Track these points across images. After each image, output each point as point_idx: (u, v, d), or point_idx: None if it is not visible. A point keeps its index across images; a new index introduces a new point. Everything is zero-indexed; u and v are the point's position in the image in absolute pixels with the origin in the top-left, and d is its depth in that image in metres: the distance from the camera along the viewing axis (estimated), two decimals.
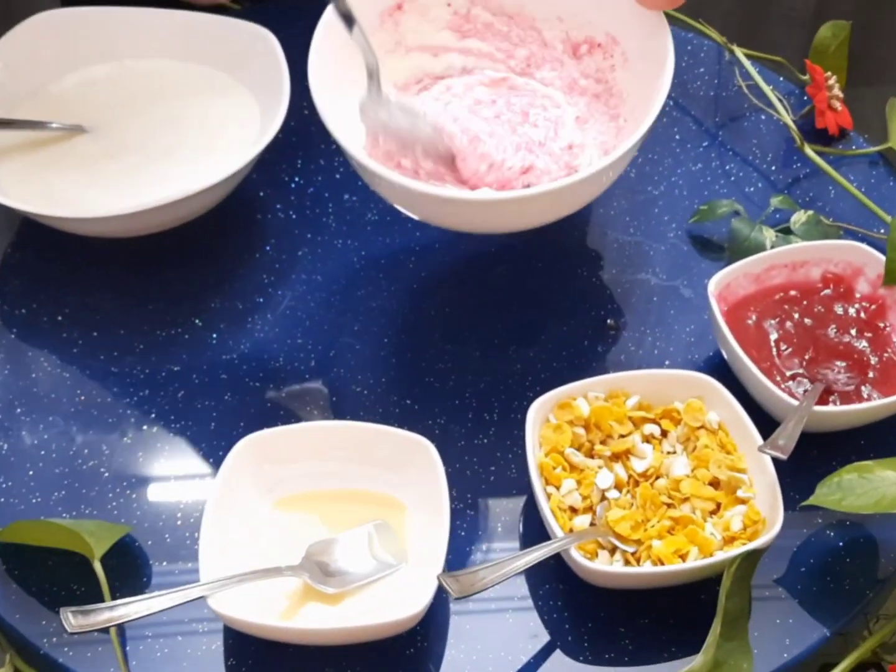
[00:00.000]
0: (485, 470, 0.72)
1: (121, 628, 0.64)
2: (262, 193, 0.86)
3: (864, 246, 0.77)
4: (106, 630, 0.64)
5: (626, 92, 0.80)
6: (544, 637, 0.65)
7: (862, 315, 0.76)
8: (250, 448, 0.67)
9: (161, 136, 0.85)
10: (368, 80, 0.75)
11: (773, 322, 0.75)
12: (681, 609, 0.66)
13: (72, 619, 0.58)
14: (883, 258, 0.75)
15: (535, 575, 0.67)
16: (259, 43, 0.85)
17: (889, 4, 1.37)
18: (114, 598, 0.64)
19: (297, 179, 0.87)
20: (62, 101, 0.86)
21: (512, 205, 0.71)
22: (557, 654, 0.65)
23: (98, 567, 0.64)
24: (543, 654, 0.65)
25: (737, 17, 1.36)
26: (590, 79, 0.82)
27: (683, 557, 0.64)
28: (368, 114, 0.75)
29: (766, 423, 0.69)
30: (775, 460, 0.67)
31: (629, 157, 0.73)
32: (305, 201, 0.86)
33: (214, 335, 0.79)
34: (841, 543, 0.69)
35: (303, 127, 0.88)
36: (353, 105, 0.76)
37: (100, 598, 0.64)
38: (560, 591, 0.66)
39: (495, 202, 0.72)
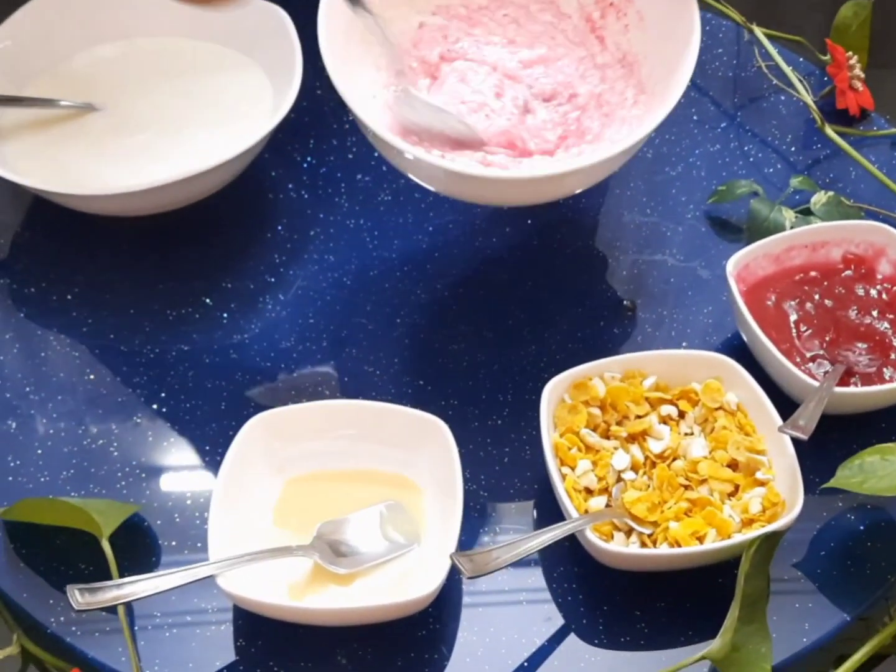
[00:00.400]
0: (499, 451, 0.71)
1: (129, 608, 0.63)
2: (274, 173, 0.85)
3: (885, 226, 0.75)
4: (114, 610, 0.63)
5: (643, 57, 0.78)
6: (558, 620, 0.64)
7: (884, 296, 0.74)
8: (261, 427, 0.67)
9: (172, 114, 0.84)
10: (394, 77, 0.75)
11: (792, 303, 0.74)
12: (698, 592, 0.64)
13: (78, 597, 0.57)
14: None
15: (549, 558, 0.66)
16: (272, 21, 0.84)
17: None
18: (122, 577, 0.63)
19: (309, 159, 0.86)
20: (73, 78, 0.86)
21: (537, 183, 0.71)
22: (572, 638, 0.63)
23: (106, 546, 0.64)
24: (557, 638, 0.64)
25: None
26: (606, 52, 0.80)
27: (701, 540, 0.63)
28: (396, 110, 0.75)
29: (785, 405, 0.68)
30: (795, 442, 0.65)
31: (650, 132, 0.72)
32: (318, 181, 0.85)
33: (225, 315, 0.78)
34: (862, 527, 0.67)
35: (315, 107, 0.87)
36: (368, 81, 0.75)
37: (108, 578, 0.63)
38: (574, 574, 0.65)
39: (519, 180, 0.71)
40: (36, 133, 0.83)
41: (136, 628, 0.63)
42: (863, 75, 0.87)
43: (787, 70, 0.88)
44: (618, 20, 0.80)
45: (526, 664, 0.62)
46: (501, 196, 0.75)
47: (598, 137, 0.76)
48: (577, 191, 0.75)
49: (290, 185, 0.85)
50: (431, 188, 0.75)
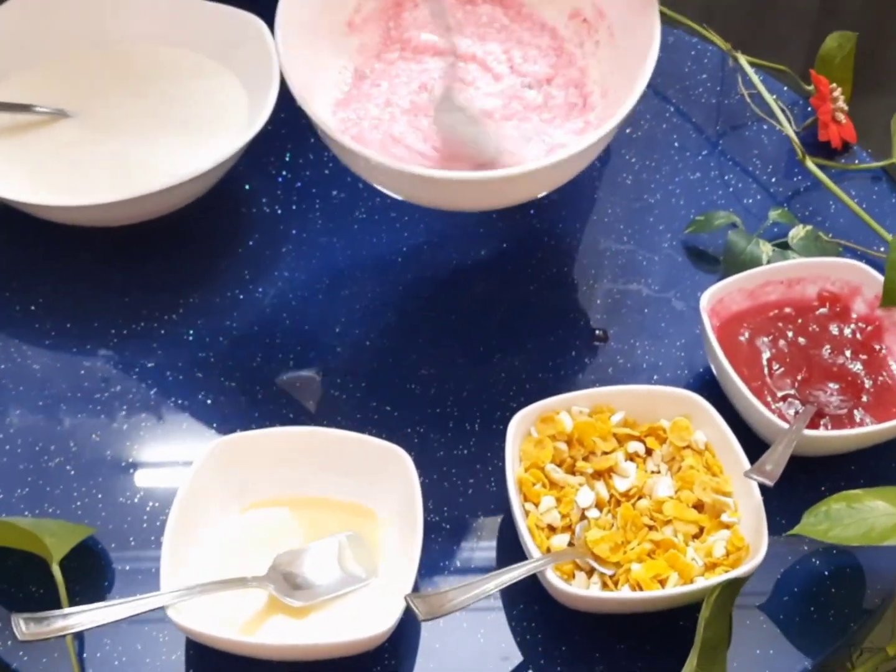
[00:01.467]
0: (463, 482, 0.70)
1: (79, 636, 0.62)
2: (247, 186, 0.84)
3: (862, 265, 0.75)
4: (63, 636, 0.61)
5: (608, 70, 0.78)
6: (516, 659, 0.63)
7: (858, 336, 0.74)
8: (220, 452, 0.65)
9: (146, 122, 0.82)
10: (443, 31, 0.76)
11: (766, 340, 0.73)
12: (658, 635, 0.64)
13: (23, 627, 0.56)
14: (881, 278, 0.73)
15: (509, 594, 0.65)
16: (249, 30, 0.83)
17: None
18: (73, 602, 0.61)
19: (284, 173, 0.84)
20: (45, 84, 0.84)
21: (490, 184, 0.69)
22: None
23: (56, 571, 0.62)
24: None
25: (741, 13, 1.33)
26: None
27: (663, 583, 0.62)
28: (438, 116, 0.75)
29: (754, 443, 0.67)
30: (762, 485, 0.65)
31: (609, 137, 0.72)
32: (292, 196, 0.84)
33: (191, 331, 0.77)
34: (826, 572, 0.67)
35: (292, 119, 0.85)
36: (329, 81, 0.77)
37: (59, 601, 0.62)
38: (534, 612, 0.64)
39: (468, 181, 0.69)
40: (6, 139, 0.81)
41: (84, 655, 0.62)
42: (846, 108, 0.87)
43: (770, 99, 0.87)
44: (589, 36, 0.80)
45: None
46: (456, 198, 0.73)
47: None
48: (536, 194, 0.75)
49: (264, 200, 0.84)
50: (384, 189, 0.74)
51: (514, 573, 0.60)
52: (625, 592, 0.61)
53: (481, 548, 0.67)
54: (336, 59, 0.80)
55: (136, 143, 0.81)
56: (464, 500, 0.69)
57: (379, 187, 0.75)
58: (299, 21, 0.76)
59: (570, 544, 0.64)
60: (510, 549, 0.66)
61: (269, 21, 0.82)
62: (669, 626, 0.64)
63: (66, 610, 0.58)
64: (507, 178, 0.69)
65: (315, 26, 0.78)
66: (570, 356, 0.76)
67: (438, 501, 0.68)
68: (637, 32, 0.75)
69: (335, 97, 0.79)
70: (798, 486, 0.68)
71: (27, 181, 0.78)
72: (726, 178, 0.86)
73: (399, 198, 0.75)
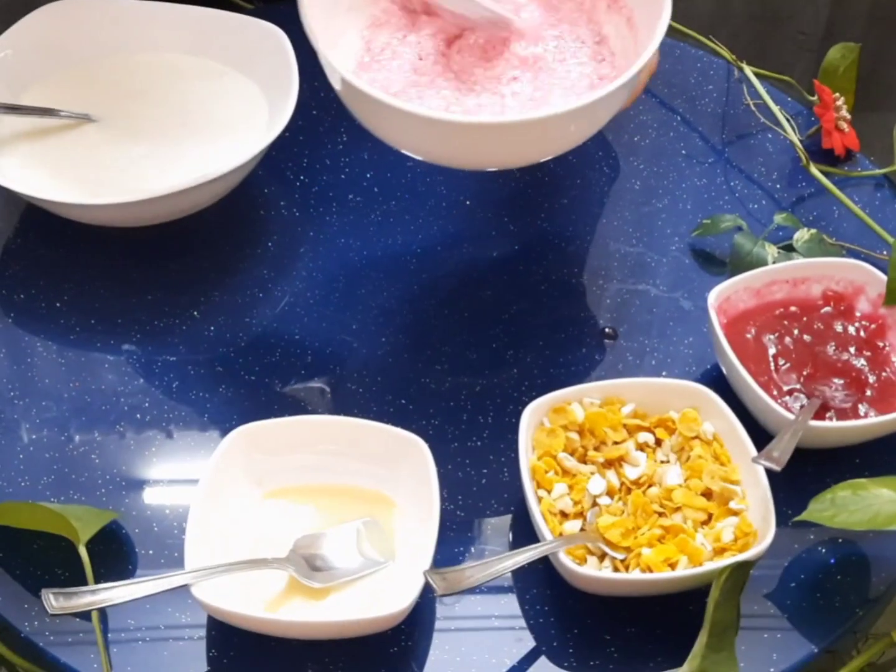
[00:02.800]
0: (477, 472, 0.72)
1: (103, 615, 0.64)
2: (266, 190, 0.86)
3: (865, 265, 0.77)
4: (88, 617, 0.63)
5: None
6: (529, 642, 0.65)
7: (861, 334, 0.75)
8: (242, 439, 0.67)
9: (168, 128, 0.85)
10: None
11: (772, 337, 0.75)
12: (668, 619, 0.65)
13: (53, 601, 0.58)
14: (884, 278, 0.75)
15: (522, 579, 0.66)
16: (270, 40, 0.86)
17: None
18: (98, 583, 0.63)
19: (302, 177, 0.87)
20: (71, 90, 0.87)
21: (503, 130, 0.70)
22: (542, 660, 0.64)
23: (83, 551, 0.64)
24: (528, 659, 0.64)
25: (747, 37, 1.36)
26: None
27: (673, 566, 0.63)
28: None
29: (761, 437, 0.69)
30: (769, 474, 0.66)
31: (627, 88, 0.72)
32: (310, 199, 0.86)
33: (212, 328, 0.79)
34: (833, 561, 0.68)
35: (311, 125, 0.88)
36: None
37: (84, 584, 0.64)
38: (547, 597, 0.66)
39: (486, 125, 0.70)
40: (32, 142, 0.83)
41: (109, 636, 0.63)
42: (849, 116, 0.89)
43: (775, 109, 0.90)
44: None
45: None
46: (478, 147, 0.73)
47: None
48: (557, 151, 0.75)
49: (282, 203, 0.86)
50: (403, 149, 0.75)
51: (529, 553, 0.62)
52: (635, 574, 0.63)
53: (495, 535, 0.69)
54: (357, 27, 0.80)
55: (159, 147, 0.84)
56: (478, 489, 0.71)
57: (399, 142, 0.74)
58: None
59: (582, 530, 0.65)
60: (524, 537, 0.67)
61: (290, 32, 0.85)
62: (679, 610, 0.65)
63: (94, 586, 0.60)
64: (533, 122, 0.69)
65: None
66: (580, 353, 0.78)
67: (453, 491, 0.70)
68: None
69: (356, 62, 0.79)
70: (804, 478, 0.70)
71: (53, 181, 0.81)
72: (732, 184, 0.88)
73: (419, 157, 0.75)
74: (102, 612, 0.63)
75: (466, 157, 0.75)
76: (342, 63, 0.74)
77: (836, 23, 1.31)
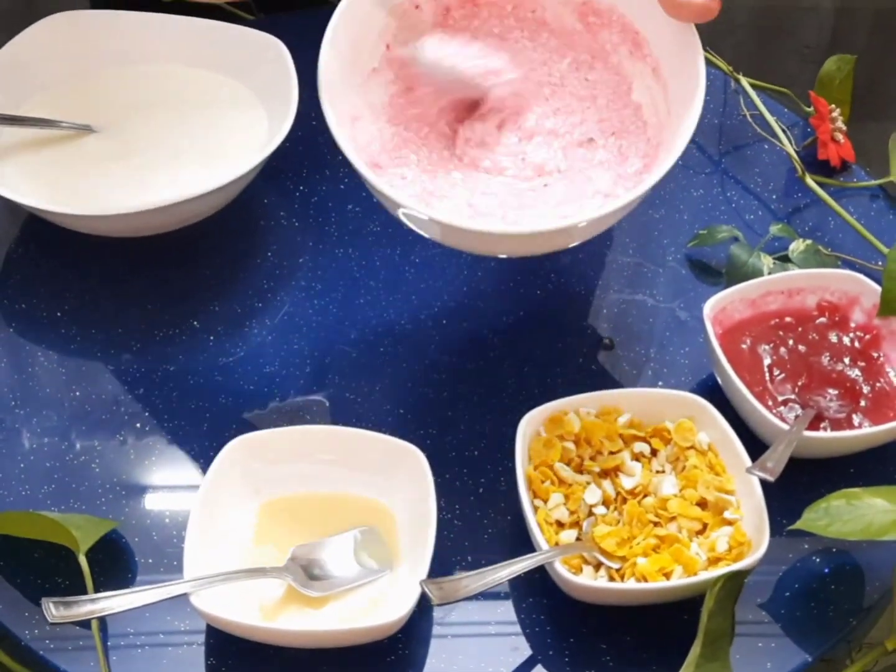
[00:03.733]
0: (474, 482, 0.72)
1: (103, 624, 0.64)
2: (266, 200, 0.87)
3: (860, 276, 0.77)
4: (88, 625, 0.64)
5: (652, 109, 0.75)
6: (526, 651, 0.65)
7: (856, 344, 0.76)
8: (240, 449, 0.68)
9: (169, 139, 0.85)
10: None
11: (767, 347, 0.76)
12: (663, 628, 0.65)
13: (53, 610, 0.58)
14: (879, 288, 0.76)
15: (518, 588, 0.67)
16: (270, 51, 0.86)
17: None
18: (97, 591, 0.64)
19: (301, 188, 0.87)
20: (72, 101, 0.87)
21: (522, 239, 0.69)
22: (538, 669, 0.64)
23: (83, 561, 0.64)
24: (524, 669, 0.65)
25: (750, 49, 1.37)
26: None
27: (668, 576, 0.64)
28: (414, 54, 0.73)
29: (756, 447, 0.70)
30: (764, 485, 0.67)
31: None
32: (309, 210, 0.86)
33: (212, 337, 0.79)
34: (826, 570, 0.69)
35: (310, 136, 0.88)
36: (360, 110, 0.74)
37: (83, 593, 0.64)
38: (543, 606, 0.66)
39: (505, 235, 0.69)
40: (33, 152, 0.84)
41: (108, 644, 0.64)
42: (844, 128, 0.90)
43: (771, 120, 0.90)
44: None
45: None
46: (491, 248, 0.73)
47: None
48: (574, 243, 0.73)
49: (282, 213, 0.86)
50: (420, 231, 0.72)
51: (526, 563, 0.63)
52: (631, 583, 0.64)
53: (492, 545, 0.69)
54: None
55: (160, 158, 0.84)
56: (475, 498, 0.71)
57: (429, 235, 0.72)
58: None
59: (578, 540, 0.66)
60: (519, 547, 0.67)
61: (289, 43, 0.86)
62: (674, 620, 0.65)
63: (94, 595, 0.60)
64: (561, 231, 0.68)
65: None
66: (577, 363, 0.79)
67: (450, 501, 0.70)
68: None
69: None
70: (798, 488, 0.70)
71: (54, 192, 0.81)
72: (728, 194, 0.89)
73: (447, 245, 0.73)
74: (102, 619, 0.64)
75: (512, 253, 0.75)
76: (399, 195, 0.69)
77: (840, 35, 1.32)
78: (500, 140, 0.74)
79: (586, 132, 0.76)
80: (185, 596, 0.61)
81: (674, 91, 0.73)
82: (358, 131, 0.73)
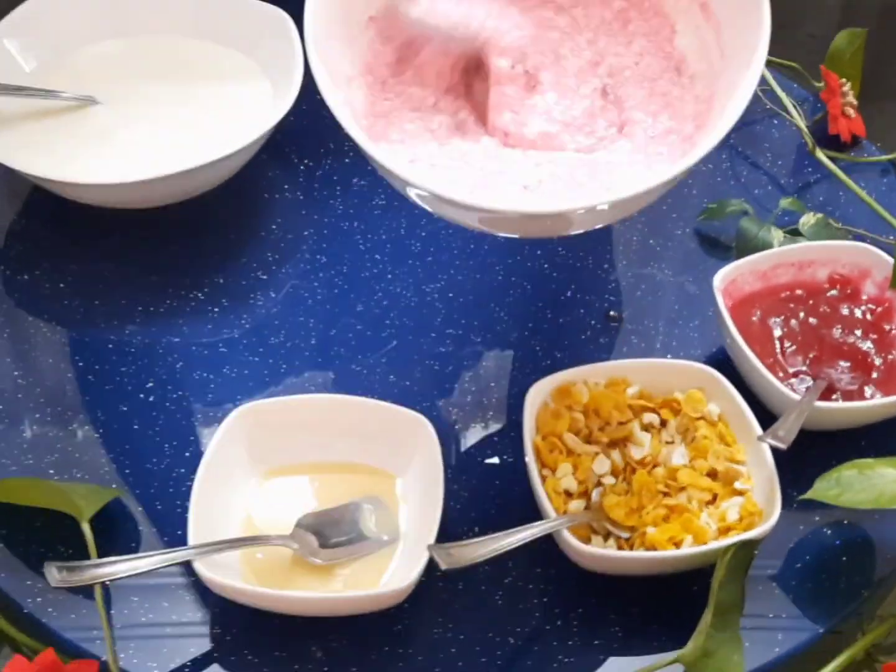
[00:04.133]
0: (481, 453, 0.71)
1: (106, 592, 0.64)
2: (270, 173, 0.86)
3: (872, 248, 0.76)
4: (90, 593, 0.63)
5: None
6: (533, 620, 0.64)
7: (868, 317, 0.75)
8: (244, 418, 0.67)
9: (172, 110, 0.85)
10: None
11: (777, 320, 0.75)
12: (672, 599, 0.65)
13: (56, 574, 0.58)
14: (891, 261, 0.75)
15: (526, 558, 0.66)
16: (274, 23, 0.86)
17: None
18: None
19: (306, 161, 0.87)
20: (75, 72, 0.87)
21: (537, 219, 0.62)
22: (546, 639, 0.64)
23: (86, 528, 0.64)
24: (532, 638, 0.64)
25: None
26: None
27: (678, 545, 0.63)
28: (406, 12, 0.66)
29: (766, 421, 0.69)
30: (774, 455, 0.66)
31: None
32: (314, 183, 0.86)
33: (216, 309, 0.78)
34: (838, 542, 0.68)
35: (315, 110, 0.87)
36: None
37: (87, 560, 0.63)
38: (551, 576, 0.66)
39: (518, 215, 0.61)
40: (36, 123, 0.83)
41: (111, 611, 0.63)
42: (855, 102, 0.89)
43: (782, 95, 0.90)
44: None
45: (499, 663, 0.62)
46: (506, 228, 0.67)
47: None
48: (598, 225, 0.67)
49: (286, 186, 0.86)
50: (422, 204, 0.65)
51: (534, 530, 0.62)
52: (640, 552, 0.63)
53: (499, 515, 0.69)
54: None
55: (163, 129, 0.83)
56: (481, 469, 0.71)
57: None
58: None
59: (587, 509, 0.65)
60: (527, 518, 0.66)
61: (292, 13, 0.85)
62: (684, 590, 0.65)
63: (98, 560, 0.59)
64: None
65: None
66: (584, 336, 0.78)
67: (457, 471, 0.70)
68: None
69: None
70: (809, 460, 0.69)
71: (57, 161, 0.80)
72: (738, 169, 0.88)
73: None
74: (105, 587, 0.63)
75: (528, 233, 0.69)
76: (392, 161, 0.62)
77: (847, 25, 1.30)
78: (529, 106, 0.67)
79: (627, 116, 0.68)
80: (189, 565, 0.60)
81: (727, 31, 0.64)
82: (354, 93, 0.67)
